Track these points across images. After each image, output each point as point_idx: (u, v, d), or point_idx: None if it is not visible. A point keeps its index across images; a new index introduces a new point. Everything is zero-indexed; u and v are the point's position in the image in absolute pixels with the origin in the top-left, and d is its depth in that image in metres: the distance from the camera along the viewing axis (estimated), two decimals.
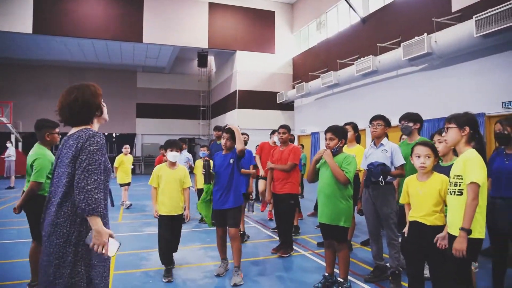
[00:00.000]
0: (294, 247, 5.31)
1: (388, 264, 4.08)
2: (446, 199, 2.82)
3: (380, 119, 4.17)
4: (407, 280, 3.12)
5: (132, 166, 9.27)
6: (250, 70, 19.20)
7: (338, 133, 3.69)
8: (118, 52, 20.23)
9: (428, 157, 2.96)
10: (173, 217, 4.32)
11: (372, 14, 13.65)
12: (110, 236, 2.02)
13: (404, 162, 3.98)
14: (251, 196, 5.86)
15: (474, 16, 8.50)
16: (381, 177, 3.85)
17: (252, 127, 16.66)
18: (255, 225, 7.19)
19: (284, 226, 5.18)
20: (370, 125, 4.22)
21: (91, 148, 2.00)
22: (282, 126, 5.33)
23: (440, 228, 2.85)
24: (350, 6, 14.01)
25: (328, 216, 3.63)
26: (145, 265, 4.71)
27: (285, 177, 5.07)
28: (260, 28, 19.48)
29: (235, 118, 18.86)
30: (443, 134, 2.87)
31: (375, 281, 4.00)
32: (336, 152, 3.67)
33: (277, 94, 19.34)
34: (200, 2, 18.51)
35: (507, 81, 8.67)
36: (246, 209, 6.03)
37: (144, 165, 22.91)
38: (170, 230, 4.30)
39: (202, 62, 20.59)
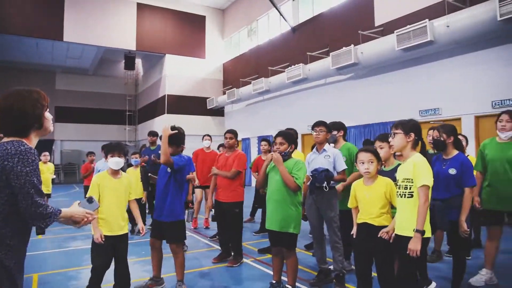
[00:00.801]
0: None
1: (331, 267, 4.16)
2: (394, 201, 2.95)
3: (322, 125, 4.24)
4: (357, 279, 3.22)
5: (54, 176, 8.48)
6: (179, 74, 18.78)
7: (289, 138, 3.67)
8: (34, 50, 18.53)
9: (371, 162, 3.08)
10: (118, 238, 3.51)
11: (302, 23, 14.14)
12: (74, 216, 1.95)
13: (346, 167, 4.11)
14: (190, 205, 5.64)
15: (395, 31, 9.18)
16: (325, 182, 3.92)
17: None
18: (192, 234, 6.96)
19: (232, 235, 5.04)
20: (313, 131, 4.29)
21: (24, 169, 1.72)
22: (229, 131, 5.20)
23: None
24: (281, 14, 14.38)
25: (277, 223, 3.59)
26: (75, 285, 4.28)
27: (229, 184, 4.96)
28: (190, 32, 19.18)
29: (164, 124, 18.25)
30: (390, 139, 2.97)
31: (319, 285, 4.05)
32: (286, 157, 3.66)
33: (207, 99, 19.15)
34: (128, 2, 17.71)
35: (425, 91, 9.50)
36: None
37: (64, 174, 21.24)
38: (111, 255, 3.51)
39: (129, 65, 19.75)
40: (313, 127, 4.30)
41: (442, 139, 3.62)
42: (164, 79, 18.79)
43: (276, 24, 15.76)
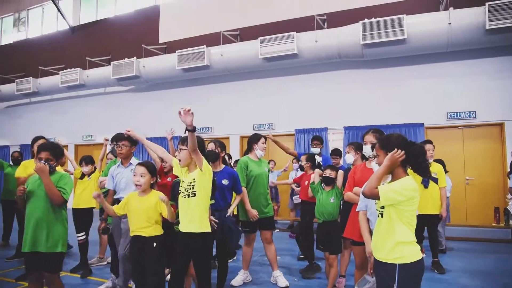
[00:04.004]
0: None
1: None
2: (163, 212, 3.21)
3: (125, 140, 4.03)
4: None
5: None
6: None
7: (56, 152, 3.25)
8: None
9: (142, 176, 3.22)
10: None
11: (83, 25, 13.09)
12: None
13: None
14: None
15: (177, 51, 9.60)
16: None
17: None
18: None
19: None
20: (116, 145, 4.05)
21: None
22: None
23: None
24: (59, 10, 12.92)
25: (42, 243, 3.09)
26: None
27: None
28: None
29: None
30: (176, 154, 3.15)
31: None
32: (51, 170, 3.19)
33: None
34: None
35: (201, 110, 10.21)
36: None
37: None
38: None
39: None
40: (116, 141, 4.11)
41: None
42: None
43: (52, 19, 14.04)
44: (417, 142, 2.44)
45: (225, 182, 3.87)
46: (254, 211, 4.16)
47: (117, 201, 3.92)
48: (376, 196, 2.21)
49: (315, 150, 5.97)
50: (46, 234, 3.09)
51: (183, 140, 3.01)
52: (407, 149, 2.24)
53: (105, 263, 5.39)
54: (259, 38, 8.68)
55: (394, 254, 2.21)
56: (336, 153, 5.72)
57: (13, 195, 5.96)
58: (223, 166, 4.02)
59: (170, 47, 10.75)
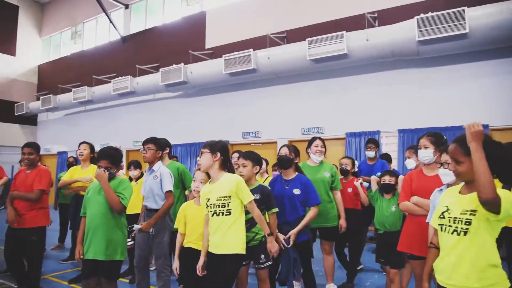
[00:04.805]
0: None
1: None
2: None
3: (151, 143, 3.91)
4: None
5: None
6: None
7: (115, 159, 3.29)
8: None
9: (202, 182, 3.10)
10: None
11: (133, 34, 13.50)
12: None
13: (170, 188, 3.78)
14: None
15: (224, 56, 9.57)
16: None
17: None
18: None
19: (28, 267, 4.10)
20: (142, 149, 3.94)
21: None
22: (26, 145, 4.26)
23: None
24: (111, 22, 13.45)
25: (101, 250, 3.08)
26: None
27: (26, 206, 4.04)
28: None
29: None
30: (198, 158, 2.93)
31: None
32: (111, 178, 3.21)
33: (15, 104, 16.26)
34: None
35: (247, 115, 10.15)
36: None
37: None
38: None
39: None
40: (142, 144, 3.97)
41: (290, 157, 3.57)
42: None
43: (105, 31, 14.65)
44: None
45: (296, 192, 3.47)
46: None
47: (146, 209, 3.85)
48: (494, 205, 1.69)
49: (369, 153, 5.61)
50: (106, 242, 3.07)
51: (206, 145, 2.90)
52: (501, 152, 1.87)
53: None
54: (307, 39, 8.42)
55: (486, 280, 1.78)
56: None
57: (68, 200, 6.19)
58: (296, 173, 3.60)
59: (216, 52, 10.77)
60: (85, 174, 4.93)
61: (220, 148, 2.87)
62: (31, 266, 4.11)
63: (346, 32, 8.06)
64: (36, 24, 17.47)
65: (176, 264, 3.10)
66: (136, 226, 3.65)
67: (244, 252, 2.74)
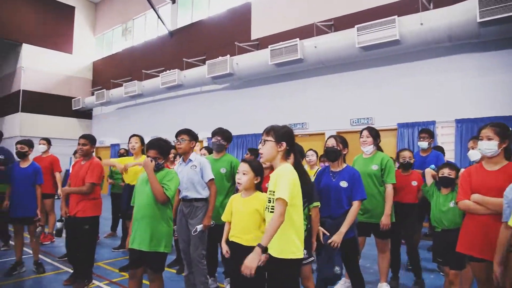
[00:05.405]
0: None
1: None
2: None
3: (184, 134, 3.88)
4: None
5: None
6: (40, 68, 16.48)
7: (163, 150, 3.24)
8: None
9: (244, 174, 2.84)
10: None
11: (180, 28, 13.72)
12: None
13: (213, 176, 3.79)
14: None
15: (269, 46, 9.43)
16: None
17: (39, 135, 14.23)
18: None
19: (80, 254, 4.28)
20: (175, 141, 3.91)
21: None
22: (82, 136, 4.44)
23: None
24: (159, 17, 13.75)
25: (146, 241, 3.09)
26: None
27: (80, 196, 4.23)
28: (55, 22, 17.05)
29: (17, 124, 15.81)
30: (259, 146, 2.61)
31: None
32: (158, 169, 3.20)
33: (73, 99, 17.21)
34: None
35: (294, 106, 9.97)
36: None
37: None
38: None
39: None
40: (176, 136, 3.93)
41: (338, 148, 3.35)
42: (20, 72, 16.25)
43: (153, 26, 15.02)
44: None
45: (343, 184, 3.26)
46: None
47: (182, 200, 3.81)
48: None
49: (422, 144, 5.24)
50: (150, 233, 3.06)
51: (269, 130, 2.51)
52: None
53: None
54: (356, 26, 8.05)
55: None
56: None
57: (120, 189, 6.41)
58: (344, 165, 3.40)
59: (262, 43, 10.65)
60: (136, 162, 5.07)
61: (287, 137, 2.48)
62: (84, 253, 4.26)
63: (398, 16, 7.61)
64: (90, 23, 18.29)
65: (224, 248, 2.97)
66: (199, 227, 3.64)
67: (287, 257, 2.39)
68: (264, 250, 2.22)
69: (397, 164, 4.45)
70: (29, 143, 5.04)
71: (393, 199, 3.83)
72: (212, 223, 3.71)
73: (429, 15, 7.41)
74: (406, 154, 4.32)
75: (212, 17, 12.58)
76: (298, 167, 2.60)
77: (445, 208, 3.36)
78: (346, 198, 3.25)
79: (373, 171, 3.83)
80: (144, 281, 3.30)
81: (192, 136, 3.94)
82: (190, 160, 3.83)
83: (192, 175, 3.76)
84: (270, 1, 10.93)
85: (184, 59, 12.38)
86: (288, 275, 2.38)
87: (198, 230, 3.63)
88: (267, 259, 2.39)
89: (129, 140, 5.33)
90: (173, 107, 13.43)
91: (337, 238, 3.09)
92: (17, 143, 5.05)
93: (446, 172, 3.43)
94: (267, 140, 2.47)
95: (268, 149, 2.45)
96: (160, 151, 3.19)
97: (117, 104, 15.80)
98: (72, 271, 4.58)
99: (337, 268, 3.11)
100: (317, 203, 3.04)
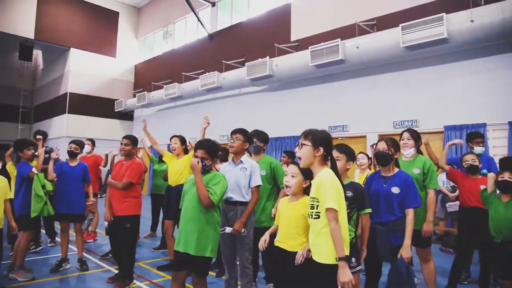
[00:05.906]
0: None
1: None
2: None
3: (240, 133, 3.80)
4: None
5: None
6: (85, 71, 17.21)
7: (212, 151, 3.19)
8: None
9: (293, 176, 2.72)
10: None
11: (219, 31, 13.84)
12: None
13: (260, 183, 3.71)
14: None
15: (310, 47, 9.29)
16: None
17: (85, 135, 14.82)
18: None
19: (121, 253, 4.37)
20: (229, 139, 3.86)
21: None
22: (125, 137, 4.59)
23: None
24: (199, 20, 13.94)
25: (192, 245, 3.02)
26: None
27: (121, 195, 4.32)
28: (101, 27, 17.76)
29: (64, 125, 16.57)
30: (296, 149, 2.55)
31: None
32: (205, 171, 3.14)
33: (115, 101, 17.81)
34: None
35: (334, 108, 9.75)
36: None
37: None
38: None
39: (25, 55, 17.52)
40: (231, 134, 3.88)
41: (390, 152, 3.18)
42: (67, 75, 17.04)
43: (193, 29, 15.26)
44: None
45: (395, 190, 3.09)
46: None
47: (226, 202, 3.67)
48: None
49: (479, 149, 4.90)
50: (197, 236, 2.99)
51: (307, 134, 2.47)
52: None
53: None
54: (400, 25, 7.76)
55: None
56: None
57: (161, 189, 6.50)
58: (396, 170, 3.24)
59: (302, 44, 10.53)
60: (178, 162, 5.14)
61: (324, 142, 2.44)
62: (126, 252, 4.34)
63: (446, 14, 7.26)
64: (133, 27, 18.88)
65: (265, 237, 2.89)
66: (228, 229, 3.58)
67: (332, 262, 2.30)
68: (347, 259, 2.23)
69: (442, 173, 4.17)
70: (81, 144, 5.25)
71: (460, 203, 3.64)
72: (243, 231, 3.58)
73: (481, 11, 7.01)
74: (469, 157, 4.03)
75: (251, 19, 12.59)
76: (334, 172, 2.49)
77: (506, 217, 3.11)
78: (398, 205, 3.08)
79: (415, 175, 3.60)
80: (186, 284, 3.27)
81: (247, 138, 3.85)
82: (241, 162, 3.74)
83: (240, 177, 3.67)
84: (310, 2, 10.79)
85: (223, 61, 12.47)
86: (331, 281, 2.29)
87: (226, 231, 3.56)
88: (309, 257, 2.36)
89: (170, 141, 5.39)
90: (212, 109, 13.55)
91: (406, 253, 2.95)
92: (71, 142, 5.26)
93: (506, 176, 3.19)
94: (304, 144, 2.44)
95: (305, 153, 2.43)
96: (209, 151, 3.14)
97: (157, 106, 16.17)
98: (114, 270, 4.67)
99: (416, 278, 2.95)
100: (369, 210, 2.90)
